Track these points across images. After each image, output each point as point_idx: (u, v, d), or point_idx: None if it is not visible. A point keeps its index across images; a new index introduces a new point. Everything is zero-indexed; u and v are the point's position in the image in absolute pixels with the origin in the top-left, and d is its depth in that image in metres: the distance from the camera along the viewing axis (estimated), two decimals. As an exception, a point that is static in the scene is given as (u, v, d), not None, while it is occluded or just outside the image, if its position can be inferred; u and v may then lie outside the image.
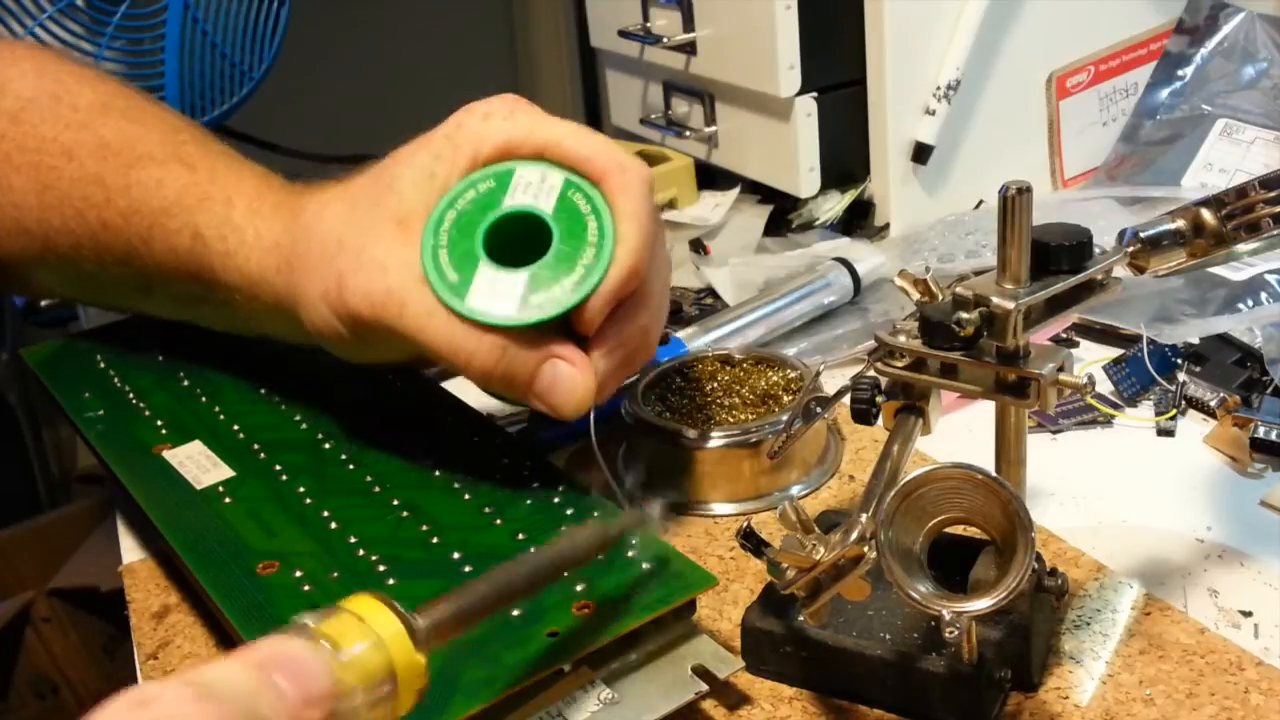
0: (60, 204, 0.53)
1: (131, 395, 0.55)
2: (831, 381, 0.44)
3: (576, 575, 0.40)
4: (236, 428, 0.52)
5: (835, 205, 0.76)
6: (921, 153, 0.73)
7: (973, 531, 0.36)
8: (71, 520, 1.16)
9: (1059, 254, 0.38)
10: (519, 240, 0.43)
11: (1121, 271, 0.40)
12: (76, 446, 1.43)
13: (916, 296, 0.38)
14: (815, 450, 0.54)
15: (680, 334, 0.62)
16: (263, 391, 0.54)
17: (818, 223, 0.76)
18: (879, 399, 0.40)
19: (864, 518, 0.36)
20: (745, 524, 0.39)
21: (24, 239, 0.54)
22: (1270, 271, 0.61)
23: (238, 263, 0.48)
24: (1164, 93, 0.78)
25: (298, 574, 0.42)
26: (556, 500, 0.45)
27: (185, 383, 0.56)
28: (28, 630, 1.08)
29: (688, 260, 0.76)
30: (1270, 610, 0.43)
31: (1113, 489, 0.51)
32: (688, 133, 0.83)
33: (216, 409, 0.53)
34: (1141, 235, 0.39)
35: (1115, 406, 0.56)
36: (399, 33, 1.62)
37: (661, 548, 0.42)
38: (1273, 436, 0.50)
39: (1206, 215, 0.39)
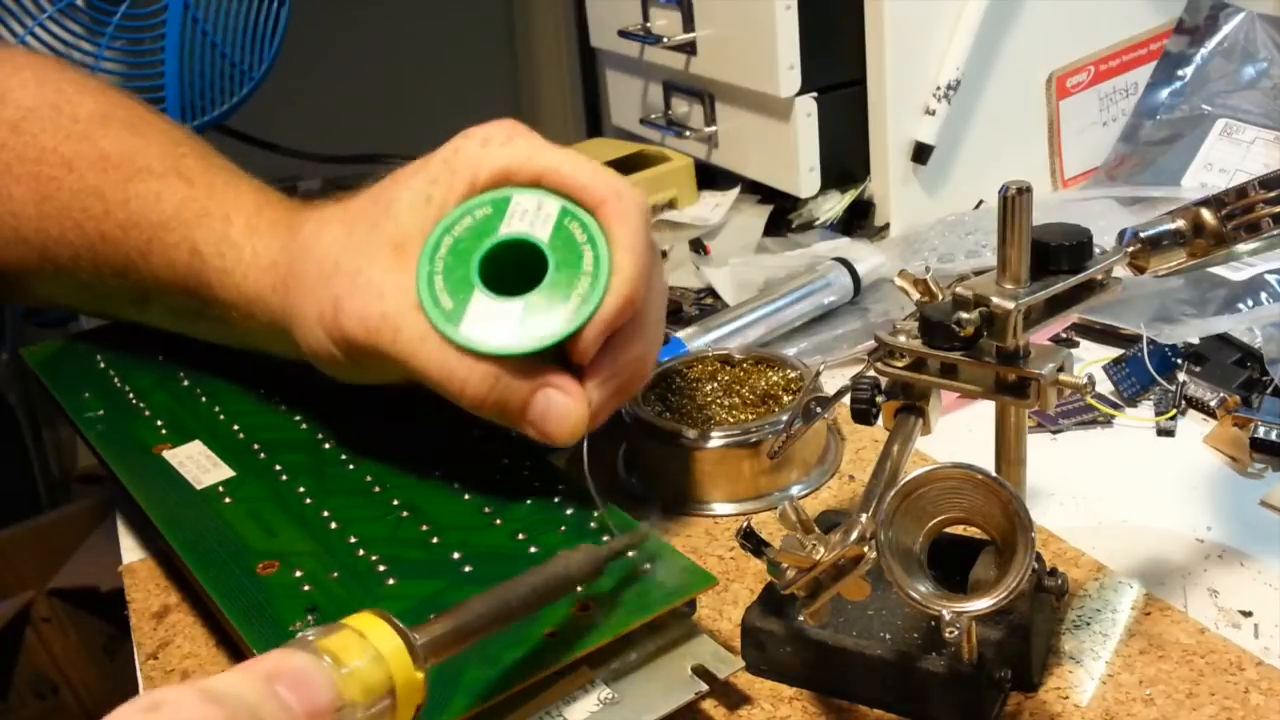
0: (59, 215, 0.53)
1: (131, 395, 0.55)
2: (831, 381, 0.44)
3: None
4: (236, 428, 0.52)
5: (835, 205, 0.76)
6: (921, 153, 0.73)
7: (973, 531, 0.36)
8: (71, 520, 1.16)
9: (1059, 254, 0.38)
10: (515, 267, 0.43)
11: (1121, 271, 0.40)
12: (76, 446, 1.44)
13: (916, 296, 0.39)
14: (815, 450, 0.54)
15: (680, 334, 0.62)
16: (263, 391, 0.54)
17: (818, 223, 0.76)
18: (879, 399, 0.40)
19: (864, 518, 0.36)
20: (745, 524, 0.39)
21: (22, 249, 0.54)
22: (1270, 271, 0.61)
23: (234, 280, 0.48)
24: (1164, 93, 0.78)
25: (298, 574, 0.42)
26: (556, 500, 0.45)
27: (185, 383, 0.56)
28: (28, 630, 1.08)
29: (688, 260, 0.76)
30: (1270, 610, 0.43)
31: (1113, 489, 0.51)
32: (688, 133, 0.83)
33: (216, 409, 0.53)
34: (1141, 235, 0.39)
35: (1115, 406, 0.56)
36: (399, 33, 1.62)
37: (662, 548, 0.42)
38: (1273, 436, 0.50)
39: (1206, 215, 0.39)
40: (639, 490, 0.54)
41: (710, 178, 0.84)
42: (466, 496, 0.46)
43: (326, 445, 0.50)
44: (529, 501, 0.45)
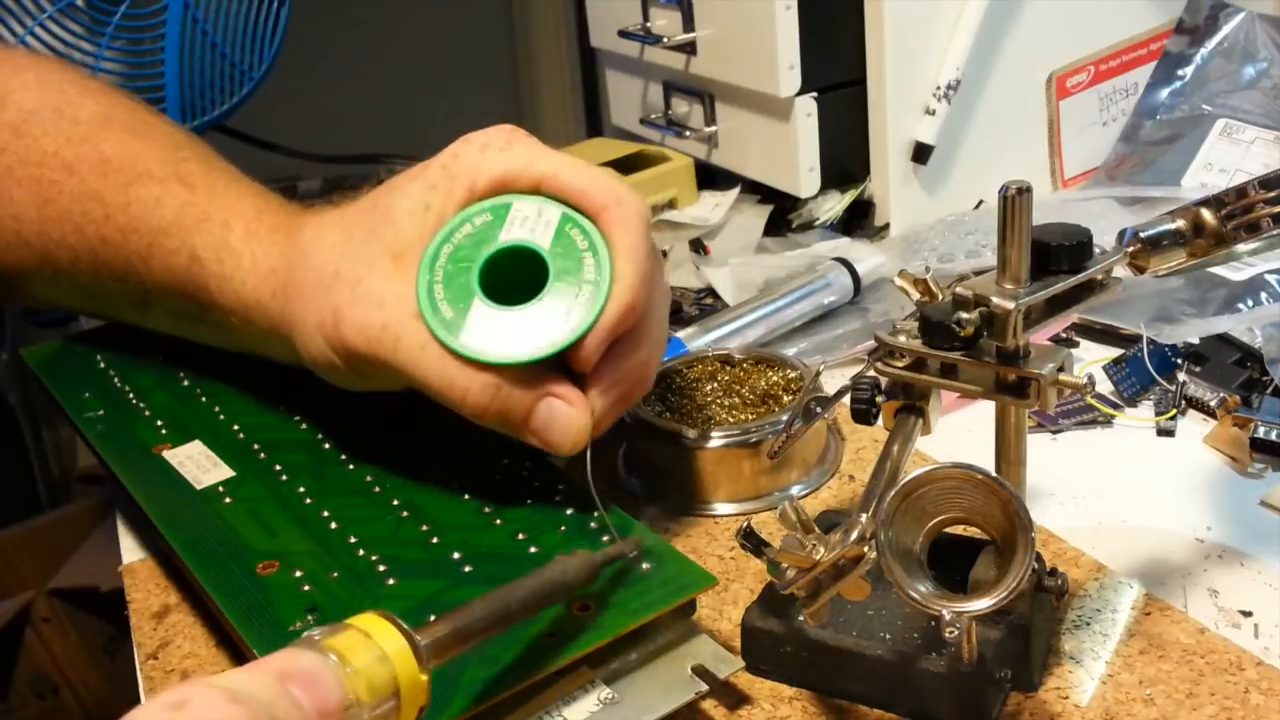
0: (60, 218, 0.53)
1: (131, 395, 0.55)
2: (831, 381, 0.44)
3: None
4: (236, 428, 0.52)
5: (835, 205, 0.76)
6: (921, 153, 0.74)
7: (973, 531, 0.36)
8: (71, 520, 1.16)
9: (1059, 254, 0.38)
10: (515, 274, 0.43)
11: (1121, 271, 0.40)
12: (76, 446, 1.44)
13: (916, 296, 0.38)
14: (815, 450, 0.54)
15: (680, 334, 0.62)
16: (263, 391, 0.54)
17: (818, 223, 0.76)
18: (879, 399, 0.40)
19: (864, 518, 0.36)
20: (745, 524, 0.39)
21: (23, 251, 0.54)
22: (1270, 271, 0.61)
23: (234, 286, 0.48)
24: (1164, 93, 0.78)
25: (298, 574, 0.42)
26: (557, 500, 0.45)
27: (185, 383, 0.56)
28: (28, 630, 1.08)
29: (688, 260, 0.76)
30: (1270, 610, 0.43)
31: (1113, 489, 0.51)
32: (688, 133, 0.83)
33: (216, 409, 0.53)
34: (1141, 235, 0.39)
35: (1115, 406, 0.56)
36: (399, 33, 1.62)
37: (662, 548, 0.42)
38: (1273, 436, 0.50)
39: (1206, 215, 0.39)
40: (639, 490, 0.54)
41: (710, 178, 0.84)
42: (466, 496, 0.46)
43: (326, 445, 0.50)
44: (529, 501, 0.45)
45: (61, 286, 0.56)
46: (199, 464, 0.49)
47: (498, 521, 0.44)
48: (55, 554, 1.11)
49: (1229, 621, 0.42)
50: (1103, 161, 0.79)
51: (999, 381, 0.38)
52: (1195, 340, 0.58)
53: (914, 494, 0.35)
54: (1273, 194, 0.38)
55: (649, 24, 0.82)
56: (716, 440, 0.51)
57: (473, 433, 0.43)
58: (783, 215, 0.78)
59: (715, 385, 0.55)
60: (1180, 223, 0.40)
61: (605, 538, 0.42)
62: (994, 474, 0.35)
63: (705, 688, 0.38)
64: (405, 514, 0.45)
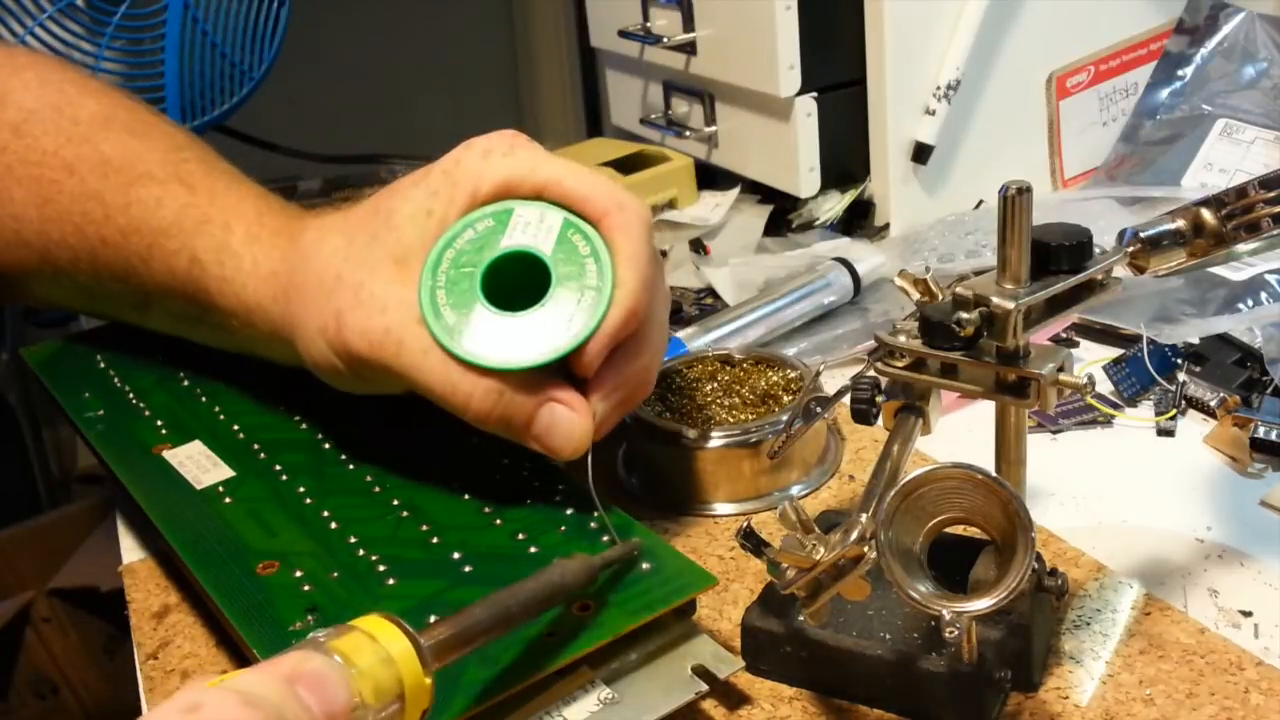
0: (60, 218, 0.53)
1: (131, 395, 0.55)
2: (831, 381, 0.44)
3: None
4: (236, 428, 0.52)
5: (835, 205, 0.76)
6: (921, 153, 0.74)
7: (973, 531, 0.36)
8: (71, 520, 1.16)
9: (1059, 254, 0.38)
10: (517, 280, 0.43)
11: (1121, 271, 0.40)
12: (76, 446, 1.44)
13: (916, 296, 0.38)
14: (815, 450, 0.54)
15: (680, 334, 0.62)
16: (263, 391, 0.54)
17: (818, 223, 0.76)
18: (879, 399, 0.40)
19: (864, 518, 0.36)
20: (745, 524, 0.39)
21: (23, 251, 0.54)
22: (1270, 271, 0.61)
23: (235, 289, 0.48)
24: (1164, 93, 0.78)
25: (298, 574, 0.42)
26: (557, 500, 0.45)
27: (185, 383, 0.56)
28: (28, 630, 1.08)
29: (688, 260, 0.76)
30: (1270, 610, 0.43)
31: (1113, 489, 0.51)
32: (688, 133, 0.83)
33: (216, 409, 0.53)
34: (1141, 235, 0.39)
35: (1115, 406, 0.56)
36: (399, 33, 1.62)
37: (662, 548, 0.42)
38: (1273, 436, 0.50)
39: (1206, 215, 0.39)
40: (639, 490, 0.54)
41: (710, 178, 0.84)
42: (466, 496, 0.46)
43: (326, 445, 0.50)
44: (529, 501, 0.45)
45: (61, 286, 0.56)
46: (199, 464, 0.49)
47: (498, 521, 0.44)
48: (55, 554, 1.11)
49: (1229, 621, 0.42)
50: (1103, 161, 0.79)
51: (999, 381, 0.38)
52: (1195, 340, 0.58)
53: (914, 494, 0.35)
54: (1273, 194, 0.38)
55: (649, 24, 0.82)
56: (716, 440, 0.51)
57: (473, 433, 0.43)
58: (783, 215, 0.78)
59: (715, 385, 0.55)
60: (1180, 223, 0.40)
61: (605, 538, 0.42)
62: (994, 474, 0.35)
63: (705, 688, 0.38)
64: (405, 514, 0.45)
